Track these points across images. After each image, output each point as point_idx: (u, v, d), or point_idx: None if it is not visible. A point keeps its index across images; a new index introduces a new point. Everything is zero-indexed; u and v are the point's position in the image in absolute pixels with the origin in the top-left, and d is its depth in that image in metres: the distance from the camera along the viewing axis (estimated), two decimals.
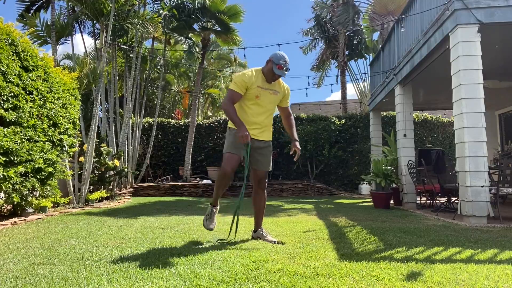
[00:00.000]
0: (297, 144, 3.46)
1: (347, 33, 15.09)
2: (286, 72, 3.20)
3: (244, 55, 21.79)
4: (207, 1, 11.24)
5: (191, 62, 14.23)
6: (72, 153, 6.54)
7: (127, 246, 3.06)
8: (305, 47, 17.60)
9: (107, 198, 8.45)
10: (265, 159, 3.39)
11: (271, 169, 3.52)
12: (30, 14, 9.02)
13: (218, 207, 3.41)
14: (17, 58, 4.75)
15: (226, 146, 3.28)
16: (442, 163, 6.74)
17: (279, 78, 3.28)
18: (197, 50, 12.23)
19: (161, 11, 10.72)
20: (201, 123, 13.33)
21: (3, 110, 4.40)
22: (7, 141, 4.31)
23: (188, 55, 11.93)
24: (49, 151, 5.35)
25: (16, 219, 4.82)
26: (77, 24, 9.89)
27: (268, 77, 3.24)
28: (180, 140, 13.03)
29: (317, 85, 18.01)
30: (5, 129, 4.41)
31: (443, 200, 6.93)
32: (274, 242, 3.23)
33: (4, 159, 4.29)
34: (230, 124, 3.34)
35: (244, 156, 3.22)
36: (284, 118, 3.60)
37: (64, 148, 5.92)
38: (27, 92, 4.95)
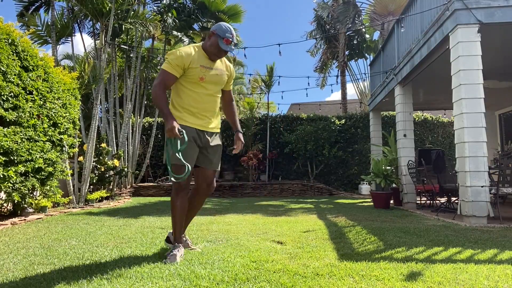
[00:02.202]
0: (241, 136, 2.97)
1: (347, 33, 15.10)
2: (234, 48, 2.74)
3: (245, 55, 21.84)
4: (207, 1, 11.24)
5: None
6: (72, 153, 6.54)
7: (127, 246, 3.06)
8: (311, 50, 17.70)
9: (107, 198, 8.45)
10: (216, 156, 2.84)
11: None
12: (29, 14, 9.01)
13: (181, 244, 2.69)
14: (17, 58, 4.75)
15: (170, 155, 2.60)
16: (442, 163, 6.74)
17: (225, 54, 2.77)
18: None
19: (164, 17, 10.71)
20: None
21: (3, 110, 4.40)
22: (7, 141, 4.31)
23: None
24: (49, 151, 5.35)
25: (16, 219, 4.82)
26: (76, 24, 9.89)
27: (212, 54, 2.71)
28: None
29: (320, 86, 18.05)
30: (5, 129, 4.41)
31: (443, 200, 6.93)
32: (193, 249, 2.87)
33: (4, 159, 4.29)
34: (179, 119, 2.69)
35: (179, 153, 2.54)
36: (225, 103, 3.04)
37: (64, 148, 5.93)
38: (27, 92, 4.95)
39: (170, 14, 11.06)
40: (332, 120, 12.32)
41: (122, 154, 9.67)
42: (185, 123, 2.65)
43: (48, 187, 5.62)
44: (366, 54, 15.90)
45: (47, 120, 5.39)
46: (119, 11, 8.89)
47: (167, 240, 2.92)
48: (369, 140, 10.70)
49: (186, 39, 12.73)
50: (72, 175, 7.14)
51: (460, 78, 4.82)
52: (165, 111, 2.53)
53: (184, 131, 2.50)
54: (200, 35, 12.66)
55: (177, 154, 2.50)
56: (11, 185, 4.56)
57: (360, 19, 14.81)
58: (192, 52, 2.67)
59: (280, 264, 2.40)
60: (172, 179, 2.56)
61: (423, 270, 2.30)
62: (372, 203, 7.39)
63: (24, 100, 4.80)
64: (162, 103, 2.55)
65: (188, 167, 2.50)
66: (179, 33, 12.20)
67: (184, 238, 2.89)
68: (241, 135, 2.97)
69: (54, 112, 5.58)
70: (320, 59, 17.52)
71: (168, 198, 9.39)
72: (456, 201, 5.42)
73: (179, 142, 2.50)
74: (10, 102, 4.53)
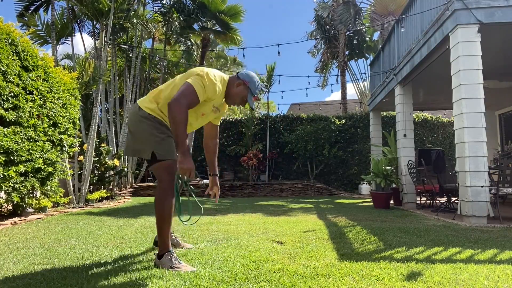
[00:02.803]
0: (217, 180, 2.82)
1: (347, 33, 15.11)
2: (254, 108, 2.70)
3: (244, 55, 21.82)
4: (207, 1, 11.24)
5: (190, 62, 14.24)
6: (72, 153, 6.54)
7: (127, 246, 3.06)
8: (312, 50, 17.72)
9: (107, 198, 8.45)
10: None
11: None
12: (29, 13, 9.02)
13: (173, 249, 2.39)
14: (17, 58, 4.75)
15: (163, 149, 2.34)
16: (442, 163, 6.74)
17: (243, 104, 2.59)
18: (195, 50, 12.25)
19: (167, 17, 10.73)
20: None
21: (3, 110, 4.40)
22: (7, 141, 4.31)
23: (186, 57, 11.95)
24: (49, 151, 5.35)
25: (16, 219, 4.82)
26: (76, 24, 9.89)
27: (232, 99, 2.55)
28: None
29: (321, 87, 18.08)
30: (5, 129, 4.41)
31: (443, 200, 6.93)
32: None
33: (4, 158, 4.29)
34: (152, 112, 2.40)
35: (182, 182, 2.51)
36: (209, 138, 2.84)
37: (64, 148, 5.93)
38: (27, 92, 4.95)
39: (174, 16, 11.06)
40: (332, 120, 12.32)
41: (122, 154, 9.67)
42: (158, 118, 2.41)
43: (48, 187, 5.62)
44: (366, 54, 15.91)
45: (47, 120, 5.39)
46: (119, 11, 8.90)
47: (155, 243, 2.81)
48: (369, 140, 10.70)
49: (185, 40, 12.75)
50: (72, 175, 7.14)
51: (460, 78, 4.82)
52: (184, 145, 2.21)
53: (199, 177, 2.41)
54: (200, 35, 12.66)
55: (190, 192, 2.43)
56: (11, 185, 4.56)
57: (361, 19, 14.82)
58: (219, 90, 2.45)
59: (280, 264, 2.40)
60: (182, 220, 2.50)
61: (423, 270, 2.30)
62: (372, 203, 7.39)
63: (24, 100, 4.80)
64: (184, 128, 2.21)
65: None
66: (178, 34, 12.21)
67: (173, 236, 2.79)
68: (217, 179, 2.80)
69: (54, 112, 5.58)
70: (320, 59, 17.54)
71: None
72: (456, 201, 5.42)
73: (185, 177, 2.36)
74: (10, 102, 4.53)
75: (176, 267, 2.23)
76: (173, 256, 2.30)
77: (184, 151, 2.20)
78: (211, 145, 2.86)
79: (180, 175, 2.37)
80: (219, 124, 2.86)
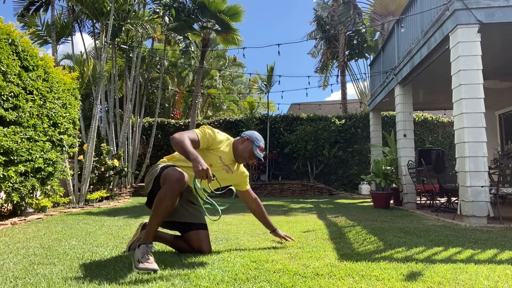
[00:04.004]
0: (279, 232, 3.05)
1: (347, 33, 15.11)
2: (262, 158, 2.79)
3: (244, 55, 21.81)
4: (207, 1, 11.24)
5: (189, 62, 14.25)
6: (72, 153, 6.54)
7: (125, 248, 3.06)
8: (312, 51, 17.74)
9: (107, 198, 8.45)
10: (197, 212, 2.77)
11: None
12: (29, 14, 9.02)
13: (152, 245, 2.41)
14: (17, 58, 4.75)
15: (162, 168, 2.55)
16: (442, 163, 6.74)
17: (255, 160, 2.79)
18: (194, 49, 12.24)
19: (162, 14, 10.73)
20: (201, 123, 13.33)
21: (3, 110, 4.40)
22: (7, 141, 4.31)
23: (185, 55, 11.95)
24: (49, 151, 5.35)
25: (16, 219, 4.82)
26: (77, 24, 9.90)
27: (240, 156, 2.75)
28: None
29: (322, 87, 18.10)
30: (5, 129, 4.41)
31: (443, 200, 6.93)
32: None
33: (4, 158, 4.29)
34: (165, 161, 2.69)
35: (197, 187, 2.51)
36: (250, 203, 3.00)
37: (64, 148, 5.93)
38: (27, 92, 4.95)
39: (168, 13, 11.07)
40: (332, 120, 12.32)
41: (122, 154, 9.67)
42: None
43: (48, 187, 5.62)
44: (366, 54, 15.91)
45: (47, 120, 5.40)
46: (119, 11, 8.90)
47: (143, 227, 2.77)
48: (369, 140, 10.70)
49: (184, 40, 12.74)
50: (72, 175, 7.14)
51: (460, 78, 4.82)
52: (192, 151, 2.34)
53: (215, 176, 2.47)
54: (200, 35, 12.66)
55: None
56: (11, 185, 4.56)
57: (361, 19, 14.82)
58: (222, 142, 2.70)
59: (280, 264, 2.40)
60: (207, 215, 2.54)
61: (423, 270, 2.30)
62: (372, 203, 7.39)
63: (24, 100, 4.80)
64: (188, 145, 2.38)
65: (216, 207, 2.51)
66: (178, 34, 12.21)
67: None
68: (279, 232, 3.05)
69: (54, 112, 5.58)
70: (320, 59, 17.55)
71: None
72: (456, 201, 5.41)
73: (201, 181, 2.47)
74: (10, 102, 4.53)
75: (141, 262, 2.22)
76: (147, 250, 2.29)
77: (194, 158, 2.30)
78: (255, 207, 3.03)
79: (197, 182, 2.45)
80: (247, 188, 3.01)
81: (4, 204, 5.15)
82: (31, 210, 5.34)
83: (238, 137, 2.86)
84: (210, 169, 2.46)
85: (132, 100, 10.71)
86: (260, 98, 18.64)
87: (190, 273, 2.15)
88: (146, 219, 4.92)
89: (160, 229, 2.71)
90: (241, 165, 2.93)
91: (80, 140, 7.79)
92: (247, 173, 3.00)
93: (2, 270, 2.29)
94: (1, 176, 4.28)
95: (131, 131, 10.96)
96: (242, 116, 14.14)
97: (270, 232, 3.13)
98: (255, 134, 2.84)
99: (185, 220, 2.66)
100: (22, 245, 3.12)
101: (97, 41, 9.76)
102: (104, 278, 2.05)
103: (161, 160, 2.79)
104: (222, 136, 2.74)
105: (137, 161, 11.49)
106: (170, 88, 20.23)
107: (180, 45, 13.29)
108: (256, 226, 4.28)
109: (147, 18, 9.81)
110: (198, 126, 12.91)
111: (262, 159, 2.79)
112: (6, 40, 4.53)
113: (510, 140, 9.61)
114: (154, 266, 2.19)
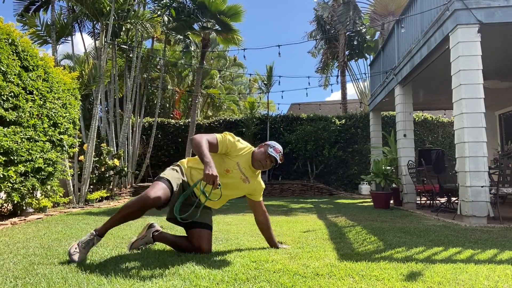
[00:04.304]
0: (284, 246, 3.02)
1: (347, 33, 15.11)
2: (279, 160, 2.77)
3: (244, 56, 21.80)
4: (207, 1, 11.24)
5: (189, 61, 14.25)
6: (72, 153, 6.54)
7: (127, 246, 3.06)
8: (312, 51, 17.74)
9: (107, 198, 8.46)
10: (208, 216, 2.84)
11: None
12: (29, 14, 9.02)
13: (101, 239, 2.56)
14: (17, 58, 4.75)
15: (165, 173, 2.70)
16: (442, 163, 6.74)
17: (270, 163, 2.77)
18: (195, 49, 12.24)
19: (158, 11, 10.74)
20: (201, 123, 13.33)
21: (3, 110, 4.40)
22: (7, 141, 4.31)
23: (186, 54, 11.95)
24: (49, 151, 5.35)
25: (16, 219, 4.82)
26: (77, 24, 9.90)
27: (256, 159, 2.76)
28: (180, 140, 13.02)
29: (323, 87, 18.10)
30: (5, 129, 4.41)
31: (443, 200, 6.93)
32: None
33: (4, 159, 4.29)
34: (183, 162, 2.84)
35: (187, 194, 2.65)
36: (259, 214, 2.97)
37: (64, 148, 5.93)
38: (27, 92, 4.95)
39: (167, 13, 11.07)
40: (332, 120, 12.32)
41: (122, 154, 9.67)
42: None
43: (48, 187, 5.62)
44: (366, 54, 15.91)
45: (47, 120, 5.40)
46: (119, 11, 8.90)
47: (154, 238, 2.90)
48: (369, 140, 10.70)
49: (184, 39, 12.74)
50: (72, 175, 7.15)
51: (460, 78, 4.82)
52: (207, 158, 2.45)
53: (221, 185, 2.53)
54: (200, 35, 12.66)
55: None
56: (11, 185, 4.56)
57: (361, 19, 14.82)
58: (242, 149, 2.78)
59: (280, 264, 2.40)
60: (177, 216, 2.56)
61: (423, 270, 2.30)
62: (372, 203, 7.39)
63: (24, 100, 4.80)
64: (205, 148, 2.50)
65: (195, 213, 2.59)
66: (178, 34, 12.21)
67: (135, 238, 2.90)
68: (285, 246, 2.99)
69: (54, 112, 5.58)
70: (321, 59, 17.55)
71: None
72: (456, 201, 5.41)
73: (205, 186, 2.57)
74: (10, 102, 4.53)
75: (70, 250, 2.47)
76: (85, 241, 2.48)
77: (207, 162, 2.42)
78: (262, 219, 2.98)
79: (202, 185, 2.56)
80: (260, 200, 2.97)
81: (4, 204, 5.15)
82: (31, 210, 5.34)
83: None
84: (228, 175, 2.70)
85: (132, 100, 10.70)
86: (260, 98, 18.64)
87: (190, 273, 2.15)
88: (149, 219, 4.93)
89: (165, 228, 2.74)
90: (259, 177, 2.93)
91: (80, 140, 7.79)
92: (263, 185, 2.99)
93: (2, 270, 2.29)
94: (1, 176, 4.28)
95: (131, 131, 10.96)
96: (242, 116, 14.14)
97: (275, 247, 2.99)
98: (274, 142, 2.87)
99: (194, 219, 2.67)
100: (22, 245, 3.12)
101: (97, 41, 9.76)
102: (104, 278, 2.05)
103: (183, 160, 2.91)
104: (243, 144, 2.81)
105: (137, 161, 11.49)
106: (170, 88, 20.24)
107: (180, 45, 13.30)
108: (256, 226, 4.27)
109: (147, 17, 9.81)
110: (198, 126, 12.92)
111: (278, 159, 2.75)
112: (6, 40, 4.53)
113: (510, 140, 9.61)
114: (75, 258, 2.42)
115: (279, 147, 2.83)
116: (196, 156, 2.72)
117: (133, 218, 2.51)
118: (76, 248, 2.46)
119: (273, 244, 2.99)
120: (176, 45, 13.80)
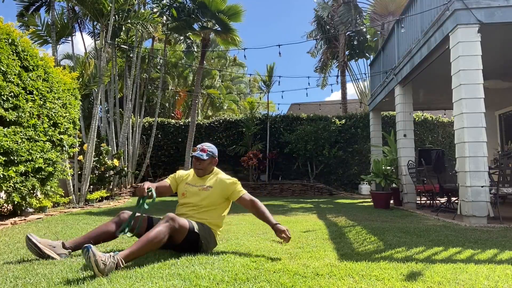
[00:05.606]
0: (280, 227, 2.90)
1: (347, 33, 15.10)
2: (196, 154, 2.91)
3: (245, 56, 21.81)
4: (207, 1, 11.24)
5: (190, 62, 14.25)
6: (72, 153, 6.54)
7: (127, 246, 3.06)
8: (312, 51, 17.73)
9: (107, 198, 8.45)
10: None
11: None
12: (29, 14, 9.02)
13: (69, 251, 2.60)
14: (17, 58, 4.75)
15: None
16: (442, 163, 6.74)
17: (197, 163, 2.94)
18: (196, 49, 12.24)
19: (156, 9, 10.74)
20: (201, 123, 13.33)
21: (3, 110, 4.40)
22: (7, 141, 4.31)
23: (187, 55, 11.94)
24: (49, 151, 5.35)
25: (16, 219, 4.82)
26: (77, 24, 9.90)
27: (193, 169, 3.04)
28: (180, 140, 13.03)
29: (321, 86, 18.09)
30: (5, 129, 4.41)
31: (443, 200, 6.93)
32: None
33: (4, 159, 4.29)
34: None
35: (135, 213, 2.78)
36: (249, 207, 2.99)
37: (64, 148, 5.93)
38: (27, 92, 4.95)
39: (168, 13, 11.08)
40: (332, 120, 12.32)
41: (122, 154, 9.67)
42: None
43: (48, 187, 5.62)
44: (366, 54, 15.90)
45: (47, 120, 5.39)
46: (119, 11, 8.90)
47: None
48: (369, 140, 10.70)
49: (184, 39, 12.73)
50: (72, 175, 7.14)
51: (460, 78, 4.82)
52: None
53: (152, 190, 2.76)
54: (200, 35, 12.65)
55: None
56: (12, 185, 4.56)
57: (361, 19, 14.81)
58: (188, 173, 3.11)
59: (280, 264, 2.40)
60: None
61: (423, 270, 2.30)
62: (372, 203, 7.39)
63: (24, 100, 4.80)
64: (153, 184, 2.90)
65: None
66: (178, 34, 12.20)
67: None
68: (279, 226, 2.90)
69: (54, 112, 5.58)
70: (320, 59, 17.54)
71: (168, 198, 9.36)
72: (456, 201, 5.41)
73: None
74: (10, 102, 4.53)
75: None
76: (56, 245, 2.55)
77: (139, 185, 2.81)
78: (254, 211, 3.02)
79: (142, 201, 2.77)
80: (241, 195, 2.96)
81: (4, 204, 5.15)
82: (31, 210, 5.34)
83: None
84: (184, 197, 2.96)
85: (132, 100, 10.70)
86: (260, 98, 18.63)
87: (190, 273, 2.15)
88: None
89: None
90: (218, 174, 3.04)
91: (80, 140, 7.79)
92: (230, 180, 2.97)
93: (2, 270, 2.29)
94: (2, 176, 4.28)
95: (131, 131, 10.96)
96: (242, 116, 14.15)
97: (272, 228, 2.94)
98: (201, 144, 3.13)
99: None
100: (22, 245, 3.12)
101: (97, 41, 9.76)
102: (104, 278, 2.05)
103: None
104: (183, 171, 3.18)
105: (137, 161, 11.49)
106: (170, 88, 20.23)
107: (181, 45, 13.30)
108: (256, 226, 4.28)
109: (147, 17, 9.81)
110: (198, 126, 12.92)
111: (196, 154, 2.93)
112: (6, 40, 4.53)
113: (510, 140, 9.61)
114: (48, 254, 2.50)
115: (198, 145, 3.04)
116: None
117: (104, 234, 2.69)
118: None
119: (270, 223, 2.94)
120: (177, 45, 13.79)
